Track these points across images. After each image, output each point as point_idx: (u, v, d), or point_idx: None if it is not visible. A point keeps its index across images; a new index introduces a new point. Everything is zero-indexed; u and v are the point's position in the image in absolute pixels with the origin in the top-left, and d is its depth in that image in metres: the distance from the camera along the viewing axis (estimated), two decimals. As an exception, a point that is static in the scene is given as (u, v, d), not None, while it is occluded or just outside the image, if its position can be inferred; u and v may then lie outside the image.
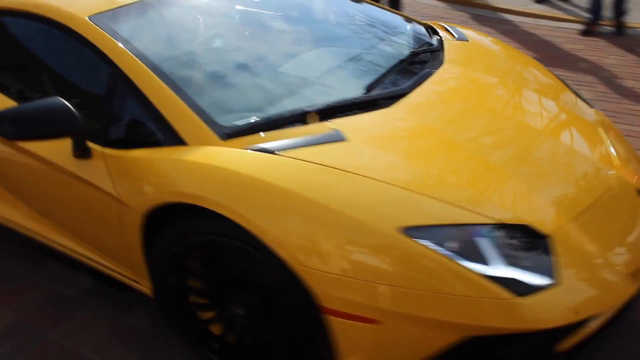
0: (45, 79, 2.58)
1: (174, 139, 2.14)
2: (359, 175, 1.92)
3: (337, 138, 2.08)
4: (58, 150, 2.36)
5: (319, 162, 1.96)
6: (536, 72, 2.92)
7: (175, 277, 2.19)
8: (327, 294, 1.82)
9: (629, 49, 6.22)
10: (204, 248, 2.06)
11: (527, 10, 7.66)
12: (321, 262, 1.80)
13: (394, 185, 1.91)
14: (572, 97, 2.79)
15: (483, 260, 1.80)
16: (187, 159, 2.04)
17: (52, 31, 2.53)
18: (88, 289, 2.81)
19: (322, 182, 1.90)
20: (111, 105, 2.30)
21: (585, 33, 6.77)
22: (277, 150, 2.02)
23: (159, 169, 2.09)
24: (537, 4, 7.89)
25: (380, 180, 1.91)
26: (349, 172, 1.93)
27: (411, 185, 1.92)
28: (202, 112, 2.16)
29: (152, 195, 2.08)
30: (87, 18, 2.44)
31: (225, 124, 2.15)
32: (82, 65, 2.45)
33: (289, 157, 1.99)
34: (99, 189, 2.26)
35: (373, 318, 1.81)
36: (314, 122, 2.18)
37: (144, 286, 2.38)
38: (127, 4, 2.58)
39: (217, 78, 2.41)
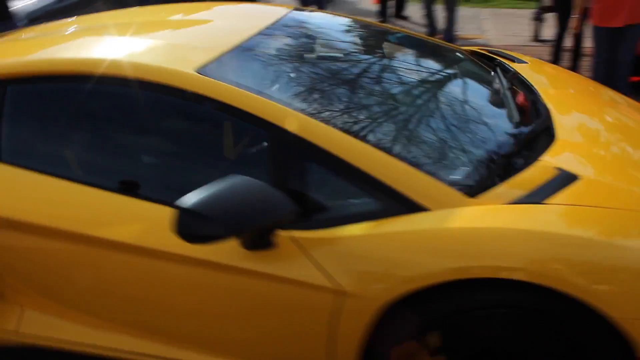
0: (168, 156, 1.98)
1: (404, 206, 1.77)
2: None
3: (572, 178, 1.90)
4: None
5: (592, 205, 1.78)
6: (593, 84, 3.03)
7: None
8: None
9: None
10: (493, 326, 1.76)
11: (373, 28, 7.95)
12: None
13: None
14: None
15: None
16: (451, 226, 1.70)
17: (157, 97, 1.96)
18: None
19: (619, 225, 1.74)
20: (284, 177, 1.83)
21: (425, 45, 7.31)
22: (543, 201, 1.78)
23: (412, 243, 1.70)
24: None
25: None
26: (625, 209, 1.79)
27: None
28: (424, 167, 1.83)
29: (404, 278, 1.69)
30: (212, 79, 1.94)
31: (463, 181, 1.85)
32: (210, 132, 1.94)
33: (560, 205, 1.77)
34: (296, 283, 1.77)
35: None
36: None
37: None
38: (237, 46, 2.09)
39: (404, 127, 2.05)
